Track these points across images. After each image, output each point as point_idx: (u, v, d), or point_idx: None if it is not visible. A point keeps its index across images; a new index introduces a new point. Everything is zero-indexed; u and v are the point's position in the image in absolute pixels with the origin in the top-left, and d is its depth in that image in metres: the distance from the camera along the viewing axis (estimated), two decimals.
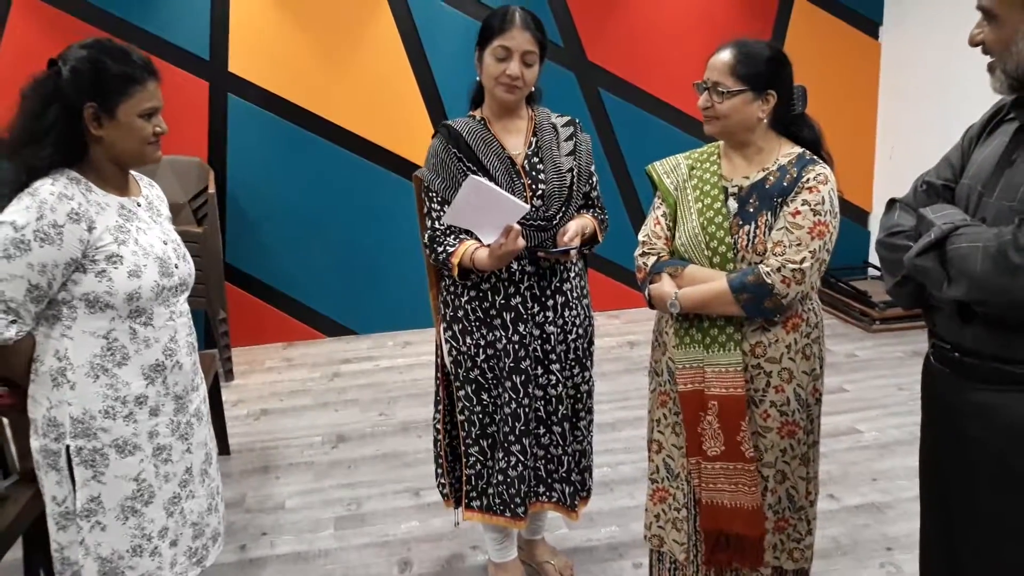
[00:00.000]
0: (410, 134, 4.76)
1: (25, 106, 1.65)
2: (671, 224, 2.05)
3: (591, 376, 2.40)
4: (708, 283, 1.91)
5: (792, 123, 1.97)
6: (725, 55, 1.90)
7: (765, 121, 1.93)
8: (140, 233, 1.75)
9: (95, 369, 1.70)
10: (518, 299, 2.22)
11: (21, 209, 1.60)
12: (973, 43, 1.49)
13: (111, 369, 1.71)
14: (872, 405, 3.85)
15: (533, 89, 2.25)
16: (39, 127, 1.63)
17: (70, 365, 1.69)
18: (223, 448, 3.55)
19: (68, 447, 1.70)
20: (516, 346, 2.23)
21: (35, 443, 1.74)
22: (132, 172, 1.85)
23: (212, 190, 4.31)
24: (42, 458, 1.73)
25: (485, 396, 2.29)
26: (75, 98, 1.63)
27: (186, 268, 1.86)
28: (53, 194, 1.61)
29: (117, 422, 1.72)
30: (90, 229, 1.65)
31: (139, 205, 1.81)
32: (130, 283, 1.69)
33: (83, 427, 1.70)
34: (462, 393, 2.31)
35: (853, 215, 5.40)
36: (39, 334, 1.70)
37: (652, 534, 2.18)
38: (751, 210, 1.92)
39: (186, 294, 1.88)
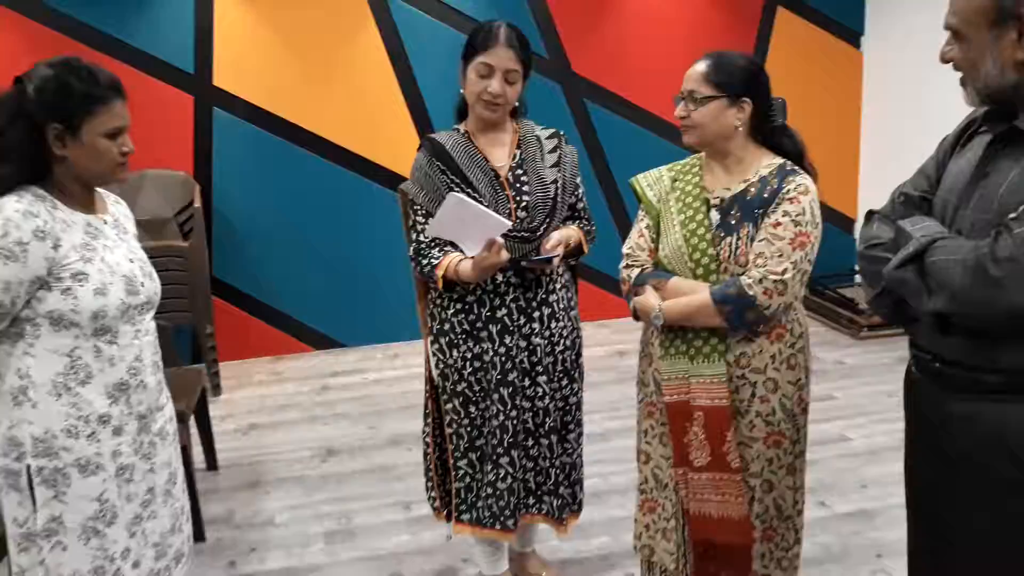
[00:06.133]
0: (396, 146, 4.76)
1: None
2: (655, 236, 2.06)
3: (580, 388, 2.40)
4: (691, 295, 1.92)
5: (773, 135, 1.98)
6: (700, 65, 1.94)
7: (742, 130, 1.94)
8: (107, 251, 1.73)
9: (57, 388, 1.68)
10: (504, 311, 2.22)
11: None
12: (943, 60, 1.51)
13: (74, 388, 1.69)
14: (861, 412, 3.87)
15: (517, 103, 2.25)
16: (2, 145, 1.63)
17: (32, 384, 1.67)
18: (211, 463, 3.54)
19: (29, 467, 1.68)
20: (503, 358, 2.23)
21: None
22: (99, 189, 1.83)
23: (198, 204, 4.29)
24: (2, 479, 1.70)
25: (473, 409, 2.29)
26: (39, 117, 1.62)
27: (152, 286, 1.84)
28: (18, 211, 1.60)
29: (80, 441, 1.70)
30: (56, 247, 1.64)
31: (106, 223, 1.79)
32: (96, 301, 1.67)
33: (44, 446, 1.68)
34: (450, 406, 2.31)
35: (839, 223, 5.42)
36: (1, 352, 1.69)
37: (642, 544, 2.18)
38: (733, 222, 1.93)
39: (152, 312, 1.86)
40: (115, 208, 1.88)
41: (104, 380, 1.72)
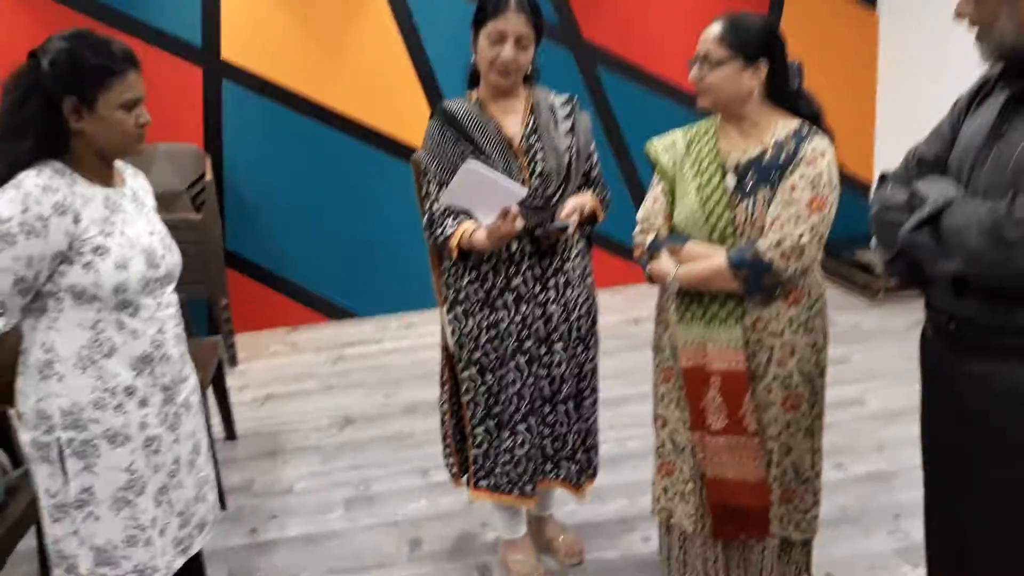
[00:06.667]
0: (406, 116, 4.74)
1: (5, 99, 1.64)
2: (670, 201, 2.04)
3: (595, 355, 2.41)
4: (707, 260, 1.91)
5: (789, 98, 1.95)
6: (715, 27, 1.91)
7: (758, 93, 1.92)
8: (126, 225, 1.74)
9: (83, 361, 1.69)
10: (519, 279, 2.22)
11: (5, 202, 1.58)
12: (958, 16, 1.49)
13: (99, 361, 1.70)
14: (877, 375, 3.87)
15: (530, 69, 2.23)
16: (19, 120, 1.62)
17: (57, 357, 1.69)
18: (229, 433, 3.58)
19: (59, 439, 1.70)
20: (519, 326, 2.23)
21: (25, 436, 1.73)
22: (117, 162, 1.83)
23: (209, 177, 4.29)
24: (34, 451, 1.73)
25: (489, 377, 2.30)
26: (54, 91, 1.61)
27: (172, 259, 1.85)
28: (38, 186, 1.60)
29: (107, 413, 1.72)
30: (76, 221, 1.64)
31: (124, 196, 1.79)
32: (117, 275, 1.68)
33: (73, 418, 1.70)
34: (466, 374, 2.32)
35: (855, 186, 5.37)
36: (25, 327, 1.70)
37: (660, 507, 2.20)
38: (749, 185, 1.91)
39: (173, 285, 1.87)
40: (133, 181, 1.88)
41: (128, 353, 1.74)
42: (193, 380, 1.95)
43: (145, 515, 1.80)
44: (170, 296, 1.86)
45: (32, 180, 1.61)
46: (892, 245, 1.56)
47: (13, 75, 1.65)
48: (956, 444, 1.60)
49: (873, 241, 5.04)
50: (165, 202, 4.18)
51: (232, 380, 4.10)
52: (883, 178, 1.69)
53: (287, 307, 4.96)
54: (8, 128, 1.64)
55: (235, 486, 3.20)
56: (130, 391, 1.75)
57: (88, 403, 1.70)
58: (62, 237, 1.62)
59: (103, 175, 1.76)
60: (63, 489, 1.73)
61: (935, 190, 1.49)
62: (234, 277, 4.76)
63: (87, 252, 1.66)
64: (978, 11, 1.45)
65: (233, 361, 4.42)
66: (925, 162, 1.63)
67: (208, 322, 4.60)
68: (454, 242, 2.16)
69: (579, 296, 2.31)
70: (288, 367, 4.42)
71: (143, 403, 1.77)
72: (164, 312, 1.82)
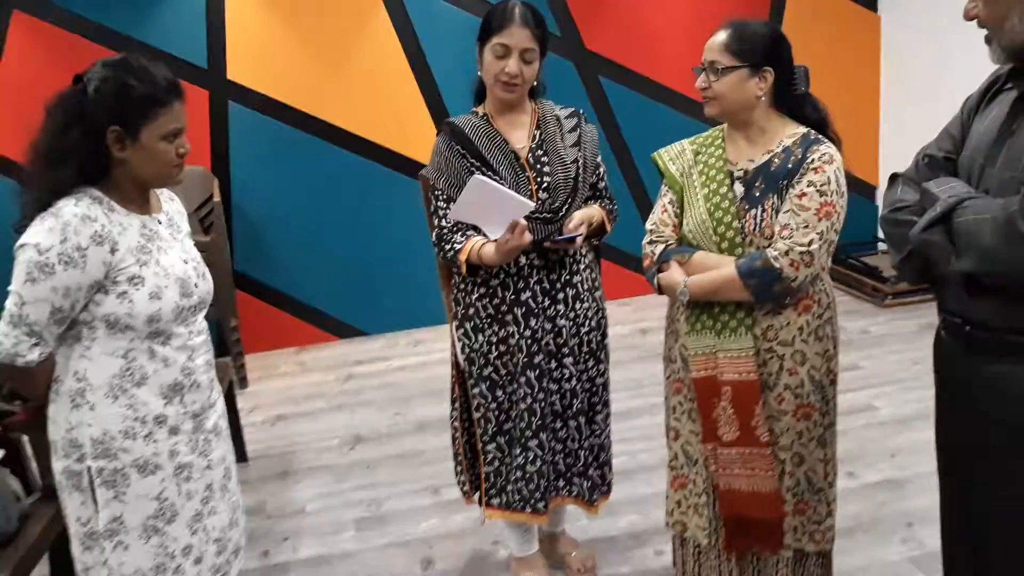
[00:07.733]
0: (412, 133, 4.76)
1: (48, 124, 1.62)
2: (678, 211, 2.04)
3: (606, 369, 2.40)
4: (717, 270, 1.90)
5: (795, 103, 1.95)
6: (721, 35, 1.91)
7: (765, 100, 1.92)
8: (161, 253, 1.72)
9: (114, 389, 1.68)
10: (528, 294, 2.22)
11: (44, 231, 1.57)
12: (968, 17, 1.49)
13: (130, 389, 1.69)
14: (888, 381, 3.84)
15: (536, 83, 2.24)
16: (62, 146, 1.61)
17: (89, 386, 1.68)
18: (240, 455, 3.56)
19: (90, 468, 1.69)
20: (529, 341, 2.22)
21: (57, 464, 1.73)
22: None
23: (217, 198, 4.31)
24: (65, 479, 1.72)
25: (500, 393, 2.29)
26: (99, 120, 1.60)
27: (205, 286, 1.84)
28: (77, 216, 1.58)
29: (137, 442, 1.71)
30: (113, 251, 1.63)
31: (160, 223, 1.78)
32: (151, 305, 1.67)
33: (103, 448, 1.69)
34: (477, 391, 2.31)
35: (860, 190, 5.37)
36: (59, 355, 1.69)
37: (674, 520, 2.18)
38: (757, 194, 1.91)
39: (204, 311, 1.86)
40: (168, 205, 1.87)
41: (159, 381, 1.73)
42: (221, 405, 1.94)
43: (176, 543, 1.78)
44: (201, 324, 1.85)
45: (71, 209, 1.59)
46: (904, 245, 1.55)
47: (57, 98, 1.63)
48: (973, 446, 1.59)
49: (881, 245, 4.99)
50: None
51: (242, 402, 4.10)
52: (894, 178, 1.69)
53: (296, 327, 4.96)
54: (50, 154, 1.62)
55: (247, 508, 3.18)
56: (160, 420, 1.74)
57: (118, 432, 1.69)
58: (100, 267, 1.61)
59: (140, 202, 1.75)
60: (93, 518, 1.72)
61: (946, 189, 1.48)
62: (243, 298, 4.76)
63: (123, 282, 1.65)
64: (987, 11, 1.45)
65: (243, 383, 4.42)
66: (935, 162, 1.62)
67: (217, 344, 4.61)
68: (463, 257, 2.16)
69: (589, 309, 2.30)
70: (298, 387, 4.42)
71: (173, 431, 1.76)
72: (195, 340, 1.80)
